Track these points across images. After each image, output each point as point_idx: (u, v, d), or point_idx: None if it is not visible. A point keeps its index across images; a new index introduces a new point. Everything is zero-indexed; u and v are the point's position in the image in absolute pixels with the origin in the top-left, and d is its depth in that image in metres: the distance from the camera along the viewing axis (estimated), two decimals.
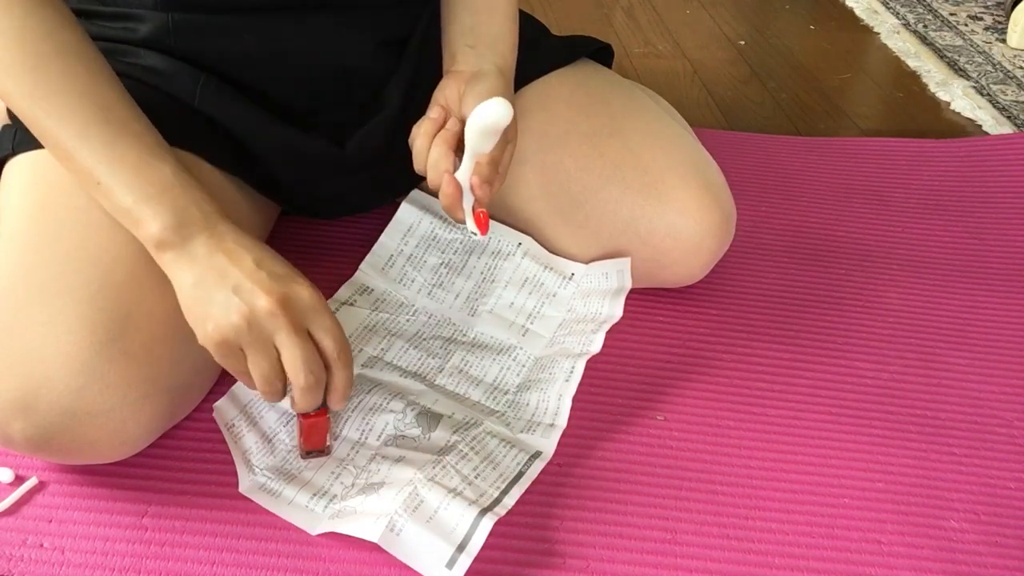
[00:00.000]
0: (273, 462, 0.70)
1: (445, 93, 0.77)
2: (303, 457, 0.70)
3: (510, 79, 0.80)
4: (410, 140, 0.76)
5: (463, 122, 0.74)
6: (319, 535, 0.65)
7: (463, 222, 0.74)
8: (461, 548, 0.62)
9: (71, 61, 0.64)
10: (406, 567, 0.63)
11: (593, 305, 0.83)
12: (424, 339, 0.83)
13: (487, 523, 0.63)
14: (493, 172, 0.72)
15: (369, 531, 0.62)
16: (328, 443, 0.70)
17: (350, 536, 0.64)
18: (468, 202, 0.73)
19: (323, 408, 0.67)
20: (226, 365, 0.63)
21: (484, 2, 0.80)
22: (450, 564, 0.62)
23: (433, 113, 0.76)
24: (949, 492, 0.74)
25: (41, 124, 0.64)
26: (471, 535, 0.63)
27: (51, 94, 0.63)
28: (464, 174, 0.72)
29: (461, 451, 0.70)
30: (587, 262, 0.87)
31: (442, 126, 0.75)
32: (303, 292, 0.62)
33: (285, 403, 0.72)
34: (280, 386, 0.63)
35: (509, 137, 0.75)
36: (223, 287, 0.61)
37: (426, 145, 0.74)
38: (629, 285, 0.83)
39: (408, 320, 0.84)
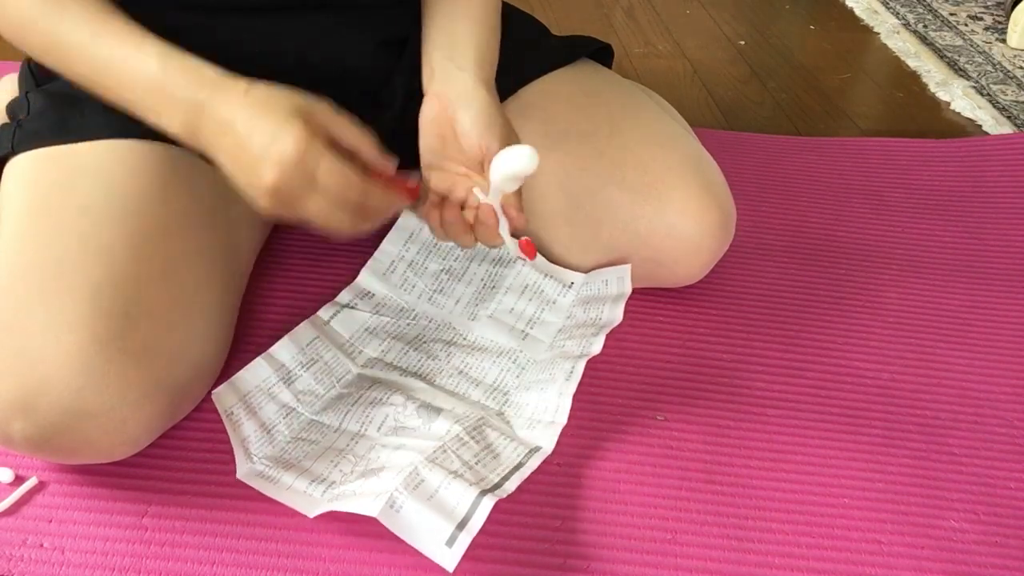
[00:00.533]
0: (272, 452, 0.70)
1: (428, 118, 0.75)
2: (411, 206, 0.72)
3: (493, 90, 0.77)
4: (425, 217, 0.76)
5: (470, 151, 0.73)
6: (319, 536, 0.65)
7: (497, 245, 0.74)
8: (461, 526, 0.62)
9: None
10: (406, 567, 0.63)
11: (593, 311, 0.83)
12: (424, 342, 0.83)
13: (488, 503, 0.63)
14: (519, 208, 0.73)
15: (369, 507, 0.62)
16: (417, 179, 0.71)
17: (351, 536, 0.65)
18: (504, 227, 0.73)
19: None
20: (290, 216, 0.65)
21: (463, 11, 0.78)
22: (450, 542, 0.61)
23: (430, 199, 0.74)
24: (949, 492, 0.74)
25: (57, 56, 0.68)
26: (472, 514, 0.63)
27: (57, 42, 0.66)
28: (494, 204, 0.72)
29: (462, 439, 0.70)
30: (587, 263, 0.87)
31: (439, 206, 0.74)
32: (313, 117, 0.63)
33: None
34: (351, 203, 0.64)
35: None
36: (249, 151, 0.62)
37: (440, 230, 0.74)
38: (629, 291, 0.83)
39: (409, 324, 0.84)
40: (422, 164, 0.76)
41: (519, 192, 0.72)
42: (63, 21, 0.66)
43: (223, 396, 0.72)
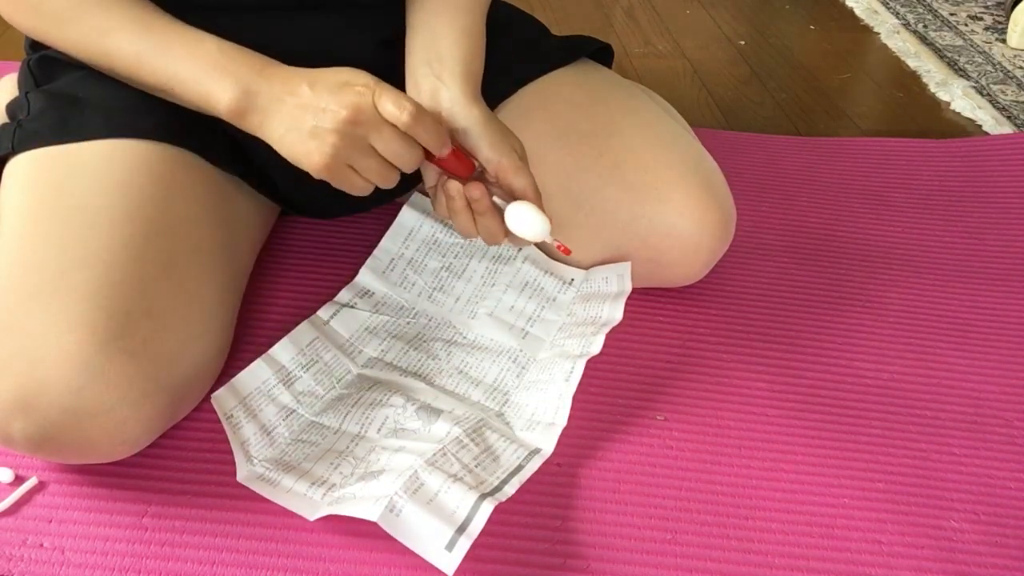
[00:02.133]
0: (272, 454, 0.70)
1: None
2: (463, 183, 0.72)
3: (482, 100, 0.76)
4: (437, 212, 0.75)
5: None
6: (319, 536, 0.65)
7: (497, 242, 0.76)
8: (461, 530, 0.62)
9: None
10: (406, 567, 0.63)
11: (593, 309, 0.83)
12: (424, 341, 0.83)
13: (487, 507, 0.63)
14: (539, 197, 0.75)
15: (369, 511, 0.62)
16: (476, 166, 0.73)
17: (351, 536, 0.65)
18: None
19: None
20: (347, 185, 0.69)
21: (447, 20, 0.77)
22: (450, 546, 0.61)
23: (449, 188, 0.73)
24: (949, 492, 0.74)
25: (102, 46, 0.70)
26: (471, 518, 0.63)
27: (100, 11, 0.70)
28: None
29: (462, 441, 0.70)
30: (587, 264, 0.87)
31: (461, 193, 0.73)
32: (358, 87, 0.66)
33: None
34: (395, 175, 0.69)
35: (521, 152, 0.74)
36: (304, 123, 0.66)
37: (470, 222, 0.74)
38: (629, 289, 0.83)
39: (408, 323, 0.84)
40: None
41: (530, 175, 0.74)
42: (112, 9, 0.70)
43: (222, 399, 0.72)
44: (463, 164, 0.72)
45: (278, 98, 0.67)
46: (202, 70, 0.68)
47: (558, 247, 0.75)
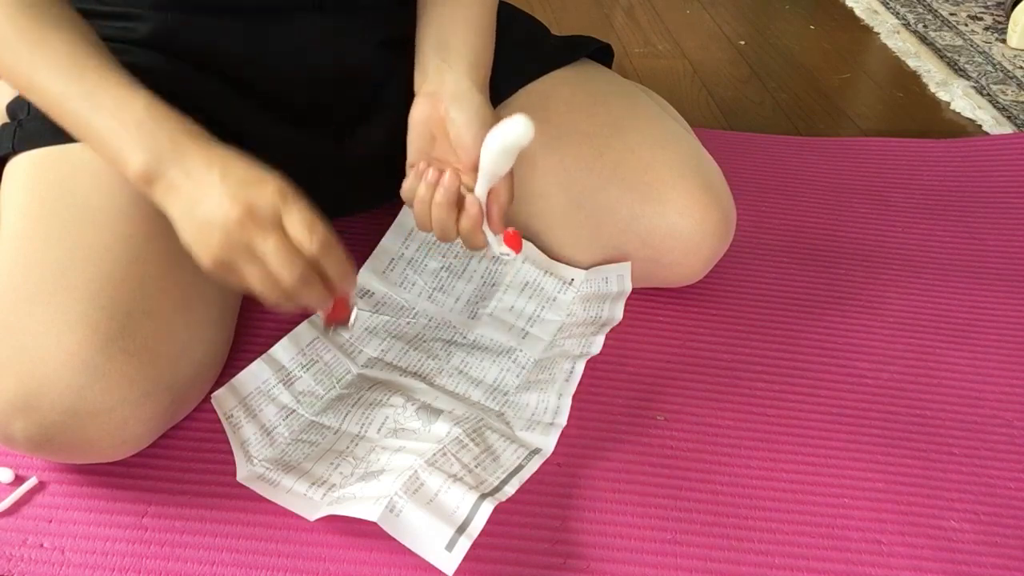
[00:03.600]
0: (272, 454, 0.70)
1: (426, 119, 0.74)
2: (326, 327, 0.69)
3: (487, 92, 0.77)
4: (403, 194, 0.74)
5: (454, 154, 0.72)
6: (319, 536, 0.65)
7: (482, 248, 0.73)
8: (461, 530, 0.62)
9: (46, 26, 0.65)
10: (406, 567, 0.63)
11: (593, 309, 0.83)
12: (424, 341, 0.83)
13: (487, 507, 0.63)
14: (510, 197, 0.72)
15: (369, 512, 0.62)
16: (352, 318, 0.70)
17: (351, 536, 0.65)
18: (487, 224, 0.72)
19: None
20: (230, 283, 0.64)
21: (459, 15, 0.78)
22: (450, 546, 0.61)
23: (424, 172, 0.72)
24: (949, 492, 0.74)
25: (29, 78, 0.65)
26: (471, 518, 0.63)
27: (33, 60, 0.64)
28: (480, 197, 0.71)
29: (462, 441, 0.70)
30: (587, 264, 0.87)
31: (435, 184, 0.72)
32: (266, 192, 0.61)
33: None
34: (280, 290, 0.62)
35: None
36: (200, 210, 0.61)
37: (427, 212, 0.72)
38: (629, 289, 0.83)
39: (408, 323, 0.84)
40: (408, 164, 0.76)
41: (511, 177, 0.71)
42: (49, 43, 0.65)
43: (222, 399, 0.72)
44: (341, 310, 0.69)
45: (186, 175, 0.62)
46: (121, 128, 0.63)
47: (506, 235, 0.72)
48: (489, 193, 0.71)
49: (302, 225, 0.61)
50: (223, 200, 0.60)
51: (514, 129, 0.65)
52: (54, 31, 0.65)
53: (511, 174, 0.71)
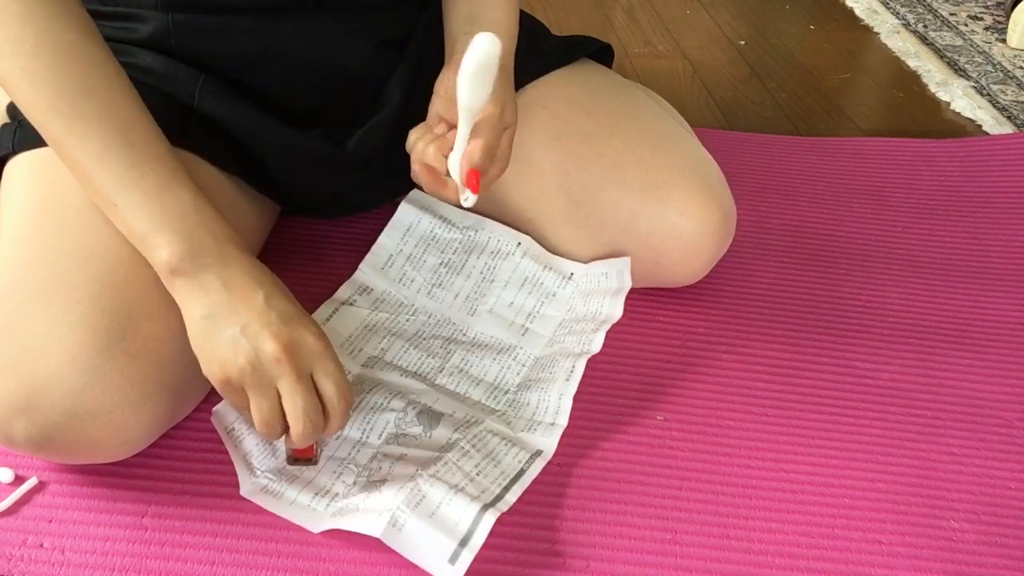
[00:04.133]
0: (275, 464, 0.70)
1: (444, 83, 0.75)
2: (290, 464, 0.70)
3: (508, 68, 0.78)
4: (407, 145, 0.76)
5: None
6: (319, 536, 0.65)
7: (448, 198, 0.72)
8: (464, 543, 0.62)
9: (93, 75, 0.63)
10: (406, 567, 0.63)
11: (593, 305, 0.83)
12: (424, 339, 0.83)
13: (489, 519, 0.63)
14: (487, 158, 0.70)
15: (371, 527, 0.62)
16: (317, 452, 0.70)
17: (351, 536, 0.65)
18: (455, 170, 0.71)
19: None
20: (229, 400, 0.64)
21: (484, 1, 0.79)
22: (452, 559, 0.62)
23: (437, 129, 0.74)
24: (949, 492, 0.74)
25: (60, 141, 0.63)
26: (473, 530, 0.63)
27: (73, 111, 0.62)
28: (460, 143, 0.69)
29: (463, 448, 0.70)
30: (587, 262, 0.87)
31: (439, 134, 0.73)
32: (309, 337, 0.62)
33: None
34: (279, 429, 0.63)
35: (508, 122, 0.74)
36: (232, 324, 0.61)
37: (419, 153, 0.73)
38: (629, 285, 0.83)
39: (408, 320, 0.84)
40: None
41: (488, 151, 0.70)
42: (85, 148, 0.63)
43: (223, 414, 0.71)
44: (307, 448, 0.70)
45: (224, 285, 0.62)
46: (162, 212, 0.62)
47: (468, 174, 0.70)
48: (468, 144, 0.70)
49: (335, 385, 0.63)
50: (264, 330, 0.60)
51: (478, 46, 0.63)
52: (99, 124, 0.63)
53: (495, 131, 0.70)
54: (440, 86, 0.76)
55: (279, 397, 0.62)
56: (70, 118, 0.62)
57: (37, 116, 0.63)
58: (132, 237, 0.64)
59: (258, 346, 0.61)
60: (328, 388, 0.63)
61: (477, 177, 0.70)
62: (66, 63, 0.62)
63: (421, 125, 0.75)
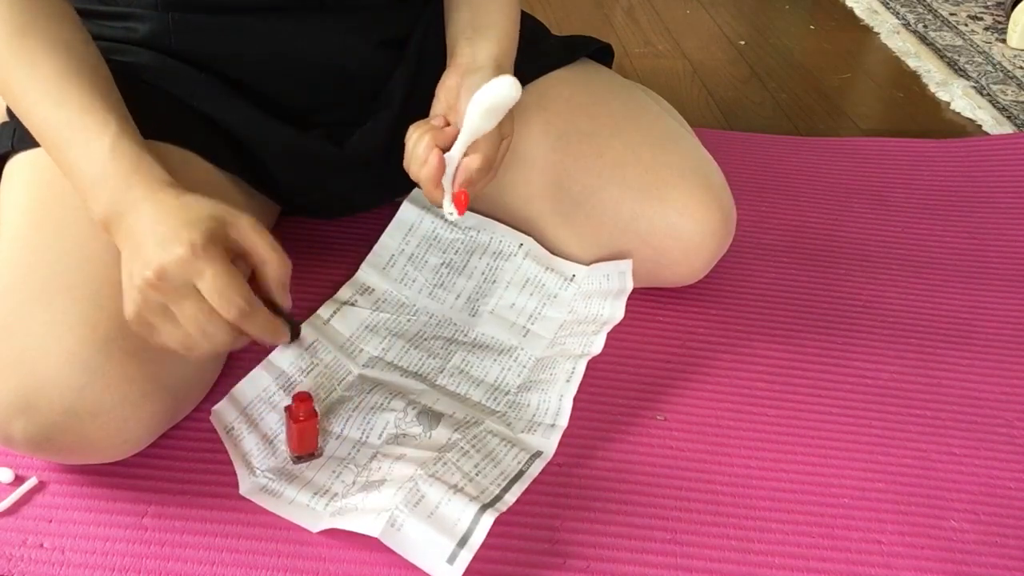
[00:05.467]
0: (275, 463, 0.70)
1: (446, 86, 0.77)
2: (294, 462, 0.70)
3: (507, 70, 0.79)
4: (406, 140, 0.76)
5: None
6: (319, 535, 0.65)
7: (439, 204, 0.73)
8: (462, 543, 0.62)
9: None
10: (406, 567, 0.63)
11: (594, 306, 0.83)
12: (425, 339, 0.83)
13: (488, 519, 0.63)
14: (484, 171, 0.72)
15: (370, 527, 0.62)
16: (319, 445, 0.70)
17: (350, 536, 0.65)
18: (448, 182, 0.72)
19: (312, 412, 0.68)
20: (155, 343, 0.61)
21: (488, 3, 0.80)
22: (451, 559, 0.62)
23: (435, 120, 0.75)
24: (949, 492, 0.74)
25: (20, 100, 0.65)
26: (472, 530, 0.63)
27: (29, 65, 0.64)
28: (456, 154, 0.71)
29: (462, 448, 0.70)
30: (588, 263, 0.87)
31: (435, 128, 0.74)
32: (175, 253, 0.58)
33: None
34: (204, 345, 0.60)
35: (505, 133, 0.75)
36: (128, 266, 0.60)
37: (411, 149, 0.73)
38: (630, 287, 0.83)
39: (409, 320, 0.84)
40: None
41: (488, 162, 0.72)
42: (31, 72, 0.64)
43: (222, 413, 0.71)
44: (309, 440, 0.70)
45: (128, 234, 0.61)
46: (84, 177, 0.63)
47: (456, 195, 0.71)
48: (465, 153, 0.71)
49: (215, 293, 0.58)
50: (142, 260, 0.59)
51: (501, 89, 0.64)
52: (46, 55, 0.64)
53: (494, 144, 0.72)
54: (441, 90, 0.77)
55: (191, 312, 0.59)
56: (23, 87, 0.65)
57: None
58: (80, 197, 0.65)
59: (139, 280, 0.59)
60: (212, 299, 0.58)
61: (466, 197, 0.72)
62: (17, 43, 0.64)
63: (422, 122, 0.76)
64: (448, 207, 0.73)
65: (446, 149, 0.72)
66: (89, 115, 0.64)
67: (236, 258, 0.61)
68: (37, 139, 0.67)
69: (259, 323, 0.60)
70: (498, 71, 0.75)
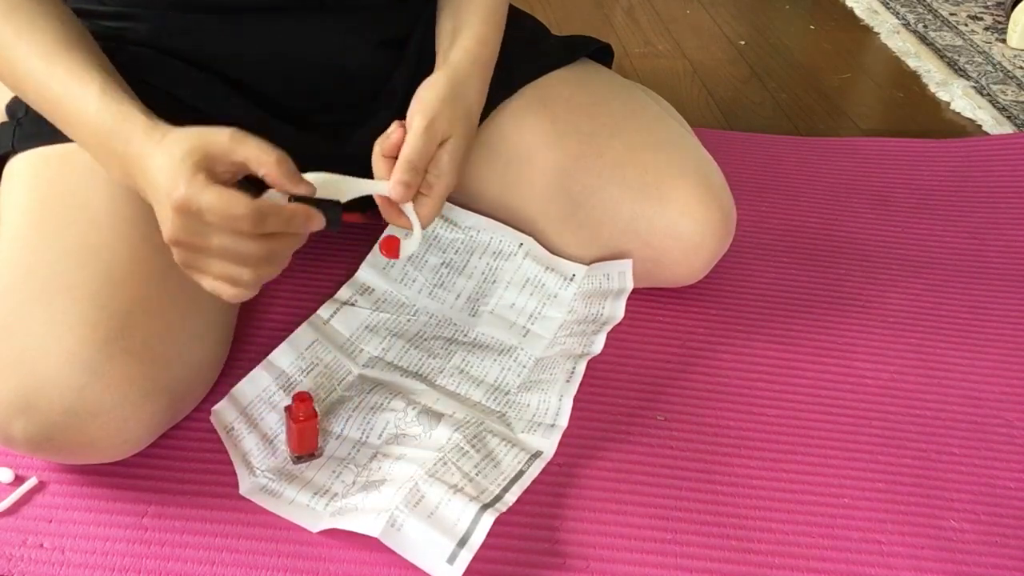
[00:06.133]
0: (275, 463, 0.70)
1: (419, 95, 0.74)
2: (295, 462, 0.70)
3: (458, 79, 0.75)
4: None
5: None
6: (319, 535, 0.65)
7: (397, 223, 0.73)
8: (462, 543, 0.62)
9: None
10: (406, 567, 0.63)
11: (594, 306, 0.83)
12: (425, 339, 0.83)
13: (488, 519, 0.63)
14: (411, 172, 0.70)
15: (370, 527, 0.62)
16: (319, 445, 0.70)
17: (350, 536, 0.65)
18: (409, 209, 0.72)
19: (312, 412, 0.68)
20: (207, 288, 0.62)
21: (466, 5, 0.79)
22: (451, 559, 0.62)
23: (391, 128, 0.72)
24: (949, 492, 0.74)
25: (12, 72, 0.67)
26: (472, 530, 0.63)
27: (19, 33, 0.65)
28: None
29: (462, 448, 0.70)
30: (588, 263, 0.87)
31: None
32: (182, 193, 0.58)
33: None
34: (249, 275, 0.60)
35: (443, 134, 0.71)
36: (159, 212, 0.61)
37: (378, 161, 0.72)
38: (630, 287, 0.83)
39: (409, 320, 0.84)
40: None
41: (411, 166, 0.70)
42: (19, 47, 0.65)
43: (222, 413, 0.71)
44: (309, 440, 0.70)
45: (144, 192, 0.63)
46: (89, 138, 0.65)
47: (382, 243, 0.72)
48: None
49: (219, 218, 0.58)
50: (160, 224, 0.60)
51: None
52: (33, 29, 0.65)
53: (419, 155, 0.70)
54: (414, 99, 0.74)
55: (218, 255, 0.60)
56: (14, 59, 0.66)
57: None
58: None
59: (170, 199, 0.58)
60: (220, 221, 0.58)
61: (396, 244, 0.72)
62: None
63: (385, 133, 0.73)
64: (375, 249, 0.72)
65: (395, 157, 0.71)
66: (76, 82, 0.64)
67: (242, 169, 0.61)
68: (42, 113, 0.68)
69: (280, 220, 0.60)
70: (447, 80, 0.73)
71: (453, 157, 0.72)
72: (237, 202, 0.57)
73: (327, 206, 0.62)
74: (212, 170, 0.59)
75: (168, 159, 0.59)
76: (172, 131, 0.61)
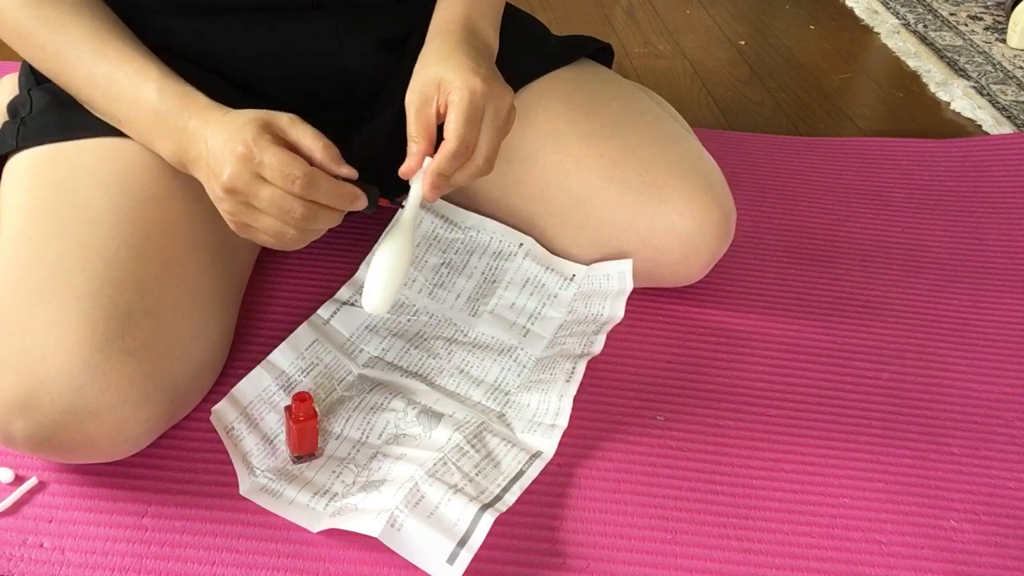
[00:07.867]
0: (274, 463, 0.70)
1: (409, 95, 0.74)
2: (294, 462, 0.70)
3: (455, 31, 0.76)
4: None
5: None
6: (319, 535, 0.65)
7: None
8: (462, 543, 0.62)
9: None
10: (406, 567, 0.63)
11: (594, 306, 0.83)
12: (425, 339, 0.83)
13: (488, 519, 0.63)
14: (450, 161, 0.70)
15: (370, 527, 0.62)
16: (319, 445, 0.70)
17: (350, 536, 0.65)
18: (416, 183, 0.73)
19: (312, 412, 0.68)
20: (261, 243, 0.68)
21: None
22: (451, 559, 0.62)
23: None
24: (949, 492, 0.74)
25: (57, 65, 0.71)
26: (472, 530, 0.63)
27: (58, 29, 0.69)
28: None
29: (462, 448, 0.70)
30: (588, 263, 0.87)
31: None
32: (239, 155, 0.63)
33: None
34: (295, 232, 0.66)
35: (500, 124, 0.72)
36: (209, 187, 0.67)
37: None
38: (631, 287, 0.83)
39: (409, 320, 0.84)
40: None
41: (452, 154, 0.70)
42: (63, 35, 0.69)
43: (222, 413, 0.71)
44: (310, 440, 0.70)
45: (197, 162, 0.67)
46: (143, 117, 0.69)
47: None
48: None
49: (276, 172, 0.63)
50: (213, 179, 0.65)
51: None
52: (74, 17, 0.69)
53: (464, 143, 0.70)
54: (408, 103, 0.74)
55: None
56: (56, 52, 0.70)
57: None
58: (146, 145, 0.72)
59: (221, 192, 0.65)
60: (277, 181, 0.63)
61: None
62: (42, 11, 0.70)
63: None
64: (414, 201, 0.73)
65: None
66: (129, 65, 0.69)
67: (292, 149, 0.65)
68: (83, 100, 0.72)
69: (327, 191, 0.65)
70: (441, 38, 0.75)
71: (495, 149, 0.73)
72: (296, 163, 0.63)
73: (367, 190, 0.68)
74: (275, 135, 0.65)
75: (233, 122, 0.65)
76: (235, 110, 0.67)
